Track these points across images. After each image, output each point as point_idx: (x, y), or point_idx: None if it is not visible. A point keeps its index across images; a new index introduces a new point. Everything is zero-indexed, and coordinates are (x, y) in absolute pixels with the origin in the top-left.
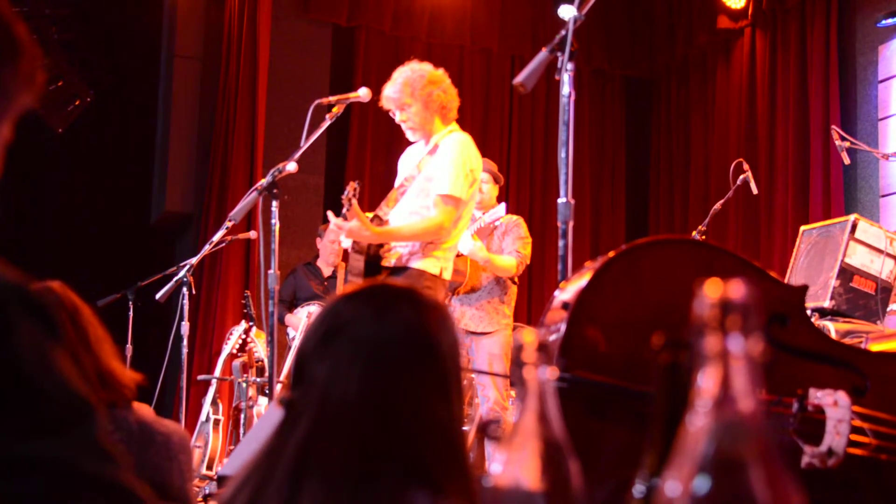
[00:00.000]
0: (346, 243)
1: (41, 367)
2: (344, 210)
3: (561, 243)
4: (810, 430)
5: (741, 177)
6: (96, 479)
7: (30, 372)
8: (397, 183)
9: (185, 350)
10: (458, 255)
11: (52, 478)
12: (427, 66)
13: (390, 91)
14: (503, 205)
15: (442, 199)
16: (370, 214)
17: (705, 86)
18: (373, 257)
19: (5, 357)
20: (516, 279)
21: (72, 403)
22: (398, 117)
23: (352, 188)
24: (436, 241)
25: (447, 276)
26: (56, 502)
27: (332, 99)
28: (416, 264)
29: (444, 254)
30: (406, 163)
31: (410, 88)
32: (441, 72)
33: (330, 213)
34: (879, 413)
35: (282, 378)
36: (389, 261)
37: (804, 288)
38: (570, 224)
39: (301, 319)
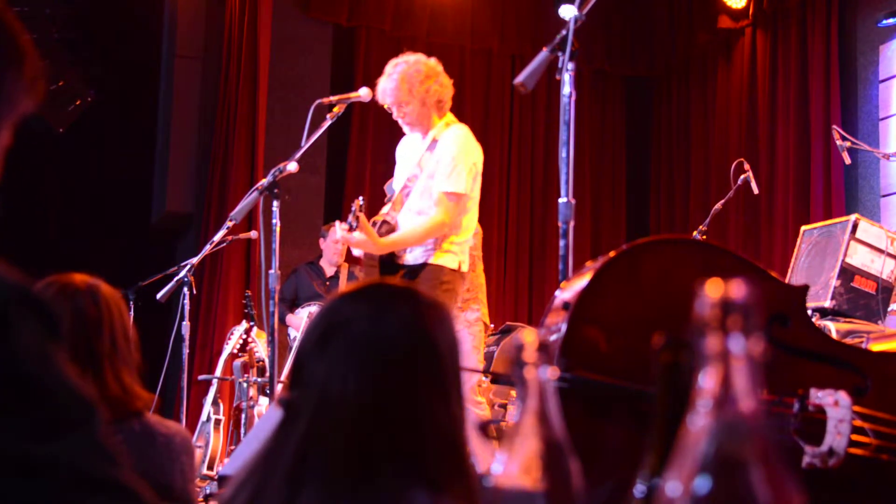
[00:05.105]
0: (358, 252)
1: (43, 367)
2: (349, 221)
3: (561, 243)
4: (811, 430)
5: (742, 177)
6: (99, 479)
7: (31, 372)
8: (398, 183)
9: (185, 350)
10: None
11: (55, 479)
12: (422, 59)
13: (388, 86)
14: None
15: (443, 196)
16: (379, 219)
17: (706, 86)
18: (387, 259)
19: (6, 357)
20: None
21: (73, 404)
22: (395, 113)
23: (357, 205)
24: (445, 236)
25: (465, 268)
26: (58, 503)
27: (333, 99)
28: (434, 260)
29: (460, 247)
30: (405, 157)
31: (408, 85)
32: (434, 61)
33: (338, 223)
34: (880, 413)
35: (282, 378)
36: (406, 259)
37: (805, 288)
38: (571, 224)
39: (302, 320)
